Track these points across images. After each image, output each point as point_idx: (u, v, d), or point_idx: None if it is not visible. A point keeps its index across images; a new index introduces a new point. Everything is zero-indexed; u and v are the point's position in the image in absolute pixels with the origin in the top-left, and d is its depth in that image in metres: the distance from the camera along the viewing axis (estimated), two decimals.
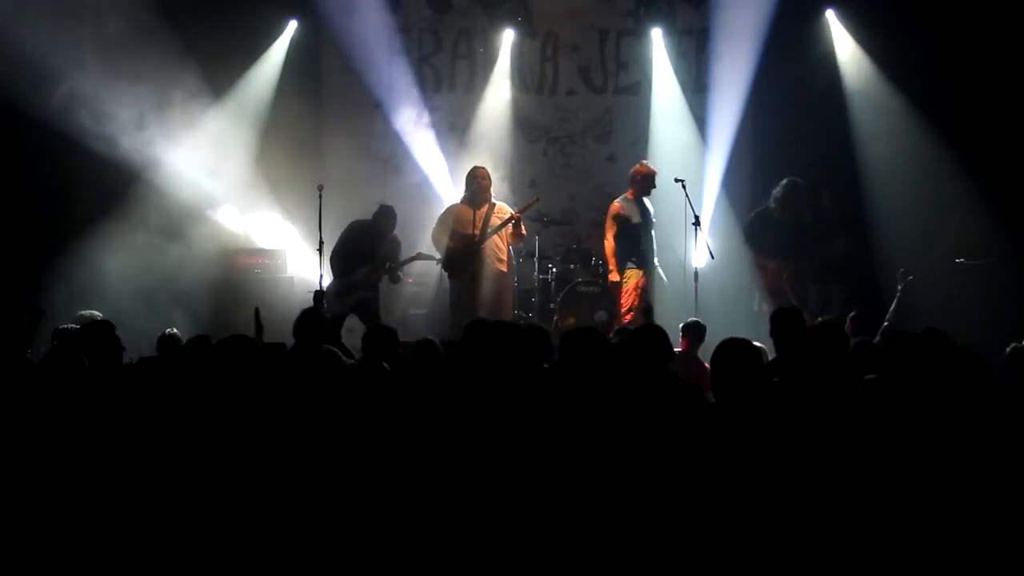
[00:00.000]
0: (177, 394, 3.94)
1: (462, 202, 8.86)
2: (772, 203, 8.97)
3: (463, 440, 3.42)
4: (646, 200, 8.93)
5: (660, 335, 4.38)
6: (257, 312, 6.15)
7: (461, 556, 3.15)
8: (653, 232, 8.96)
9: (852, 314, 6.74)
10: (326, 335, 5.65)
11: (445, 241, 8.76)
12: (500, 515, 3.19)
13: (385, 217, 8.84)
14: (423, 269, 9.76)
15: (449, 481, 3.28)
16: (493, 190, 8.99)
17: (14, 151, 8.87)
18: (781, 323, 5.56)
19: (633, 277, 8.77)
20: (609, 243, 8.85)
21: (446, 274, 8.91)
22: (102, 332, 5.17)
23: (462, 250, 8.65)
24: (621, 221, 8.81)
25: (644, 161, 9.25)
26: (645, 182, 8.90)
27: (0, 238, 8.86)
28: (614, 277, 8.81)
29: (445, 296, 9.09)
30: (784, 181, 8.97)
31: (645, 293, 8.74)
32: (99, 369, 4.61)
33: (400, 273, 8.97)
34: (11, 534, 3.29)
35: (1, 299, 8.41)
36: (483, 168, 8.90)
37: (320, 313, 6.02)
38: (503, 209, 8.82)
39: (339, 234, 8.85)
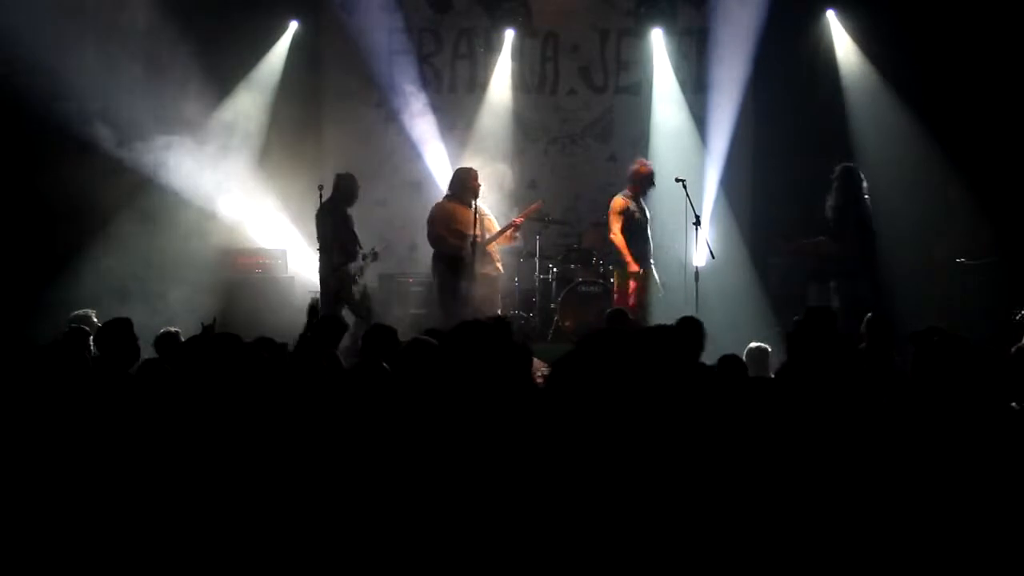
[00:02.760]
0: (175, 394, 3.94)
1: (454, 201, 8.76)
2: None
3: (461, 439, 3.42)
4: (642, 200, 8.92)
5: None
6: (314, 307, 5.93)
7: (462, 555, 3.16)
8: (650, 232, 8.97)
9: (869, 316, 6.65)
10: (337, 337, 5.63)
11: (449, 238, 8.66)
12: (499, 514, 3.20)
13: (356, 185, 8.81)
14: (424, 268, 9.76)
15: (450, 480, 3.29)
16: (494, 190, 9.00)
17: (16, 152, 8.88)
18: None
19: (633, 276, 8.78)
20: (618, 236, 8.74)
21: (440, 271, 8.77)
22: (121, 329, 5.14)
23: (469, 250, 8.66)
24: (627, 216, 8.79)
25: (643, 160, 9.20)
26: (646, 181, 8.88)
27: (3, 239, 8.87)
28: (635, 267, 8.70)
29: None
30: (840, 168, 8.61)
31: (642, 293, 8.74)
32: (110, 366, 4.61)
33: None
34: (9, 533, 3.29)
35: (4, 298, 8.43)
36: (476, 170, 8.92)
37: (342, 319, 6.00)
38: (482, 211, 8.82)
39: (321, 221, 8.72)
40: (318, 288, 8.78)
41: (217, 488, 3.32)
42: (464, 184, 8.74)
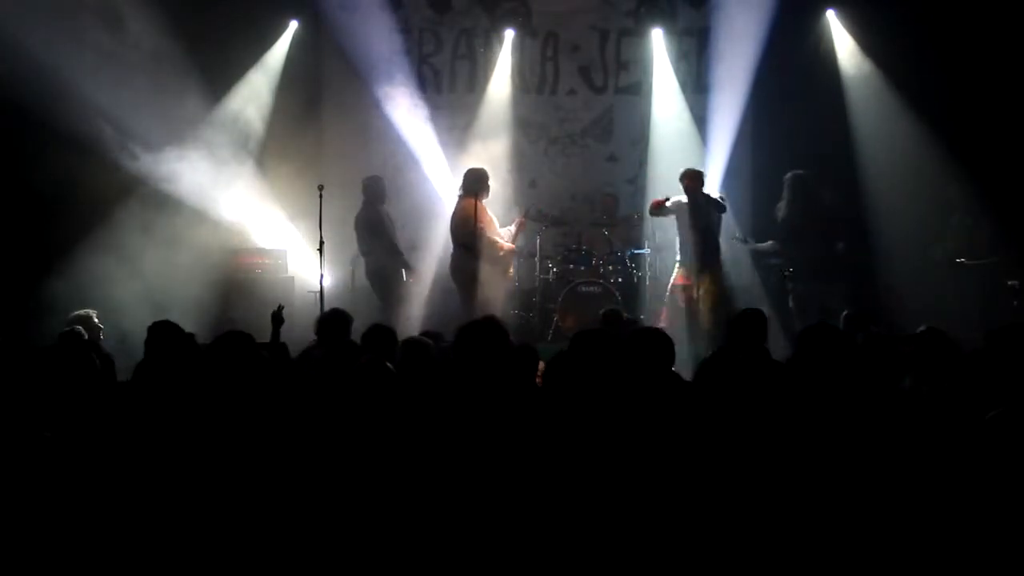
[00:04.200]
0: (178, 394, 3.94)
1: (480, 200, 8.59)
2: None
3: (462, 438, 3.43)
4: (701, 197, 8.58)
5: (663, 339, 4.42)
6: (277, 313, 5.96)
7: (466, 556, 3.16)
8: (706, 231, 8.61)
9: (845, 313, 6.75)
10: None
11: (489, 236, 8.48)
12: (500, 514, 3.20)
13: (381, 185, 9.31)
14: (425, 268, 9.74)
15: (451, 481, 3.29)
16: (494, 190, 9.01)
17: (16, 151, 8.87)
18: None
19: (674, 276, 8.86)
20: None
21: (478, 270, 8.53)
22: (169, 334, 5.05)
23: (508, 252, 8.65)
24: (673, 205, 8.76)
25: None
26: (683, 181, 8.67)
27: (2, 238, 8.85)
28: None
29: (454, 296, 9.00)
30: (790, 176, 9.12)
31: (674, 292, 8.73)
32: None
33: None
34: (10, 532, 3.29)
35: (3, 299, 8.42)
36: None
37: (346, 313, 5.94)
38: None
39: (362, 222, 9.15)
40: (316, 289, 8.75)
41: (222, 488, 3.32)
42: (481, 183, 8.60)
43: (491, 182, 8.73)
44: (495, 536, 3.18)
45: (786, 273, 8.99)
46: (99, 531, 3.23)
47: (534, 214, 9.60)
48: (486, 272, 8.48)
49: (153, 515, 3.26)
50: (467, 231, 8.52)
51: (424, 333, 5.70)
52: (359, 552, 3.18)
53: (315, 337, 5.85)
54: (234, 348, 3.89)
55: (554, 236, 10.31)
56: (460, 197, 8.73)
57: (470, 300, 8.50)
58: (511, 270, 8.95)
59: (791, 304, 8.90)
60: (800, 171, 9.06)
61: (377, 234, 9.10)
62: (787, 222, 9.05)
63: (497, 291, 8.56)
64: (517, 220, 8.95)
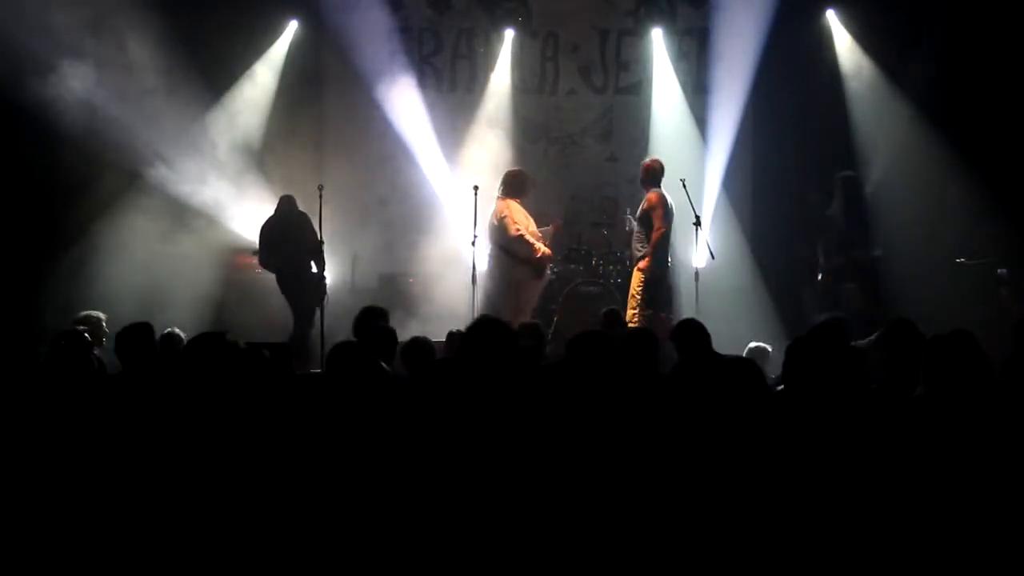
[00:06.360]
0: (178, 395, 3.95)
1: (520, 201, 8.61)
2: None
3: (463, 439, 3.42)
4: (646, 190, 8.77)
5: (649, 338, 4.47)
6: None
7: (468, 557, 3.16)
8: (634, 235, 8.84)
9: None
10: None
11: (529, 239, 8.45)
12: (502, 515, 3.20)
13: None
14: (425, 268, 9.73)
15: (451, 482, 3.29)
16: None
17: (14, 151, 8.88)
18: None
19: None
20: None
21: (523, 273, 8.54)
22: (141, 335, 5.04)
23: (544, 255, 8.61)
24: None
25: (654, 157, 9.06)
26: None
27: (2, 238, 8.85)
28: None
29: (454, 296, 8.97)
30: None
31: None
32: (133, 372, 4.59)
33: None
34: (10, 533, 3.29)
35: (2, 299, 8.43)
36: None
37: (381, 309, 5.85)
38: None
39: (309, 226, 8.78)
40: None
41: (224, 489, 3.32)
42: (520, 185, 8.60)
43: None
44: (493, 537, 3.18)
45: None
46: (96, 531, 3.24)
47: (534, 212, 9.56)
48: (520, 274, 8.45)
49: (146, 517, 3.27)
50: (502, 234, 8.42)
51: (413, 339, 5.58)
52: (350, 553, 3.18)
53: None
54: (209, 349, 3.92)
55: (554, 236, 10.29)
56: (498, 199, 8.58)
57: (506, 302, 8.40)
58: (547, 273, 8.88)
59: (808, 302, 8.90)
60: (850, 172, 9.11)
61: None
62: (833, 221, 9.05)
63: (530, 294, 8.52)
64: (554, 223, 8.89)
